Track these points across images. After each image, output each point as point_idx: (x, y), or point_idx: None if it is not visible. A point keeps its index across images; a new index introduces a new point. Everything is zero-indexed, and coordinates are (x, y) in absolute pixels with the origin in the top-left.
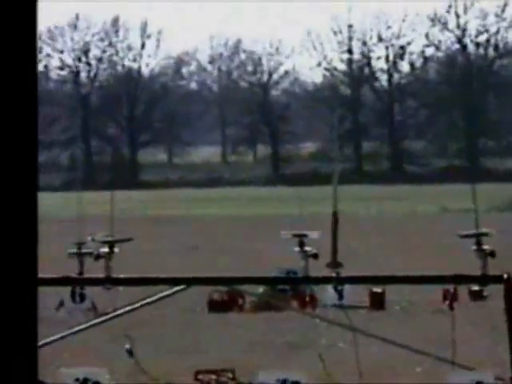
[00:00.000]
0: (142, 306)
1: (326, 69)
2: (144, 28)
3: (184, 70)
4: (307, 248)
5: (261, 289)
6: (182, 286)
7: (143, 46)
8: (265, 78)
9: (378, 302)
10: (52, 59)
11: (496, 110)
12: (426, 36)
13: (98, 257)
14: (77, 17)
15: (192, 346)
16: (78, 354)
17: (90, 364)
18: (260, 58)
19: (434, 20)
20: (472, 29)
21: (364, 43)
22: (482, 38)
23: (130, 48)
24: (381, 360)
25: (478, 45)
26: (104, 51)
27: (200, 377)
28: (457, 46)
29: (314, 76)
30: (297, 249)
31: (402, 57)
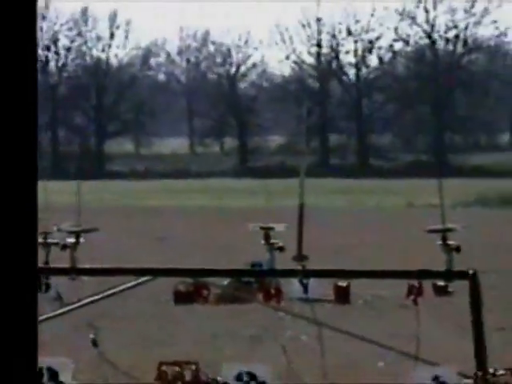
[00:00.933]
0: (107, 296)
1: (295, 62)
2: (113, 18)
3: (152, 61)
4: (273, 241)
5: (226, 281)
6: (147, 277)
7: (112, 36)
8: (233, 70)
9: (342, 295)
10: None
11: (464, 105)
12: (395, 30)
13: (64, 247)
14: (46, 6)
15: (157, 337)
16: (42, 344)
17: (55, 354)
18: (229, 50)
19: (403, 14)
20: (441, 24)
21: (333, 37)
22: (451, 34)
23: (98, 38)
24: (344, 354)
25: (446, 40)
26: (73, 41)
27: (163, 368)
28: (425, 40)
29: (282, 69)
30: (263, 241)
31: (370, 51)
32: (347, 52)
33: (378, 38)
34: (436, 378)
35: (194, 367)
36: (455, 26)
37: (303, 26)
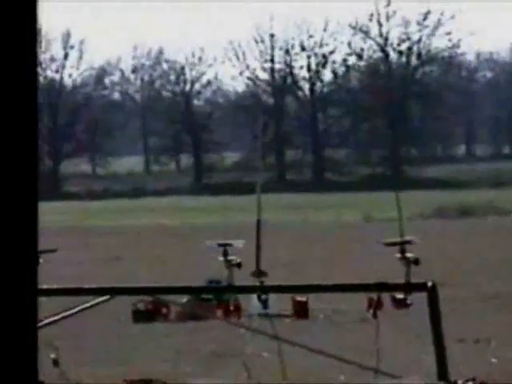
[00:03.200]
0: (66, 316)
1: (249, 78)
2: (66, 39)
3: (107, 80)
4: (231, 257)
5: (185, 298)
6: (106, 297)
7: (66, 56)
8: (187, 87)
9: (301, 310)
10: None
11: (419, 117)
12: (349, 45)
13: None
14: None
15: (118, 356)
16: None
17: None
18: (182, 68)
19: (356, 28)
20: (394, 37)
21: (286, 52)
22: (405, 46)
23: (52, 59)
24: (305, 368)
25: (400, 53)
26: None
27: None
28: (379, 54)
29: (236, 85)
30: (221, 258)
31: (324, 66)
32: (301, 67)
33: (331, 53)
34: None
35: None
36: (408, 39)
37: (256, 41)
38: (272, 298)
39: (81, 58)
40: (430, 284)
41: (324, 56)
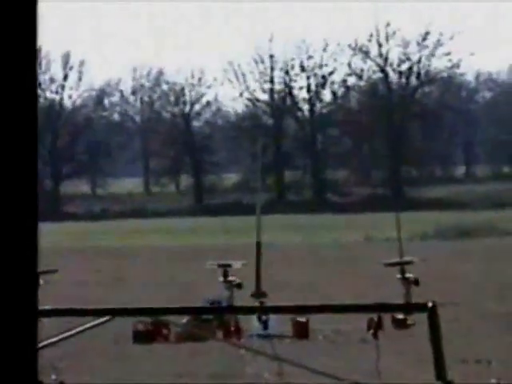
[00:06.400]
0: (66, 337)
1: (248, 99)
2: (66, 59)
3: (106, 101)
4: (231, 278)
5: (185, 319)
6: (106, 318)
7: (66, 77)
8: (187, 108)
9: (302, 331)
10: None
11: (419, 138)
12: (348, 65)
13: None
14: None
15: (117, 377)
16: None
17: None
18: (182, 89)
19: (356, 49)
20: (394, 57)
21: (286, 73)
22: (404, 67)
23: (52, 80)
24: None
25: (400, 73)
26: None
27: None
28: (379, 74)
29: (236, 106)
30: (221, 279)
31: (323, 86)
32: (301, 88)
33: (331, 73)
34: None
35: None
36: (408, 59)
37: (256, 62)
38: (272, 318)
39: (80, 79)
40: (430, 304)
41: (323, 77)
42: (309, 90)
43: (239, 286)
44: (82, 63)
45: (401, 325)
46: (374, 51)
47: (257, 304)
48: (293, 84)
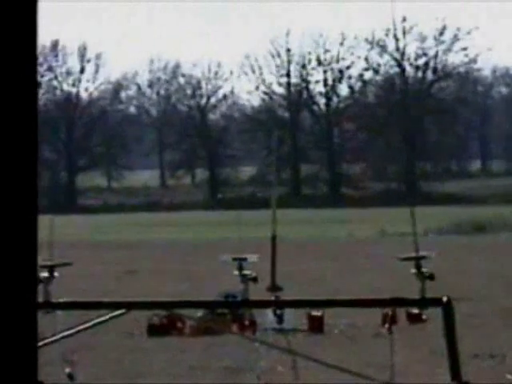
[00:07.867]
0: (81, 330)
1: (265, 92)
2: (83, 52)
3: (123, 94)
4: (246, 271)
5: (200, 313)
6: (121, 311)
7: (82, 70)
8: (203, 101)
9: (316, 325)
10: None
11: (434, 133)
12: (365, 59)
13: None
14: None
15: (132, 370)
16: None
17: None
18: (199, 82)
19: (373, 43)
20: (411, 52)
21: (303, 67)
22: (421, 61)
23: (69, 73)
24: (319, 383)
25: (416, 68)
26: (43, 76)
27: None
28: (396, 69)
29: (252, 99)
30: (236, 272)
31: (340, 80)
32: (317, 82)
33: (348, 68)
34: None
35: None
36: (425, 54)
37: (273, 56)
38: (287, 312)
39: (97, 71)
40: (445, 299)
41: (340, 71)
42: (325, 84)
43: (254, 279)
44: (98, 56)
45: (415, 319)
46: (390, 46)
47: (272, 298)
48: (309, 78)
